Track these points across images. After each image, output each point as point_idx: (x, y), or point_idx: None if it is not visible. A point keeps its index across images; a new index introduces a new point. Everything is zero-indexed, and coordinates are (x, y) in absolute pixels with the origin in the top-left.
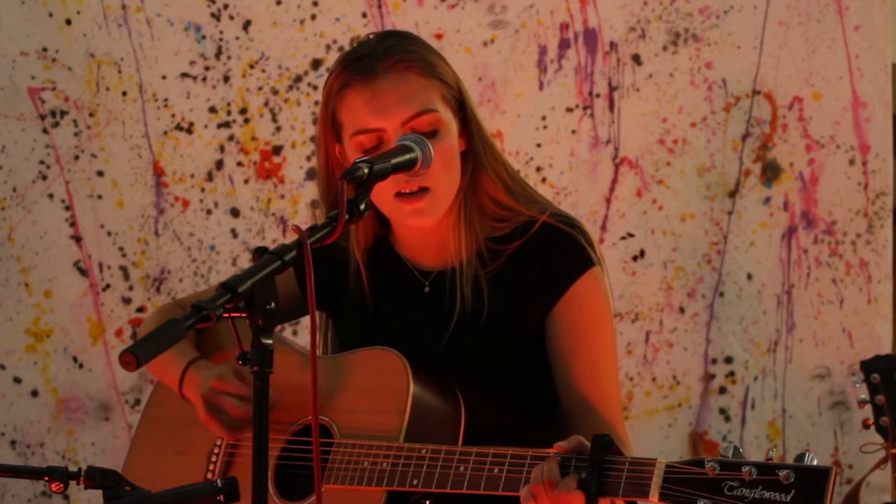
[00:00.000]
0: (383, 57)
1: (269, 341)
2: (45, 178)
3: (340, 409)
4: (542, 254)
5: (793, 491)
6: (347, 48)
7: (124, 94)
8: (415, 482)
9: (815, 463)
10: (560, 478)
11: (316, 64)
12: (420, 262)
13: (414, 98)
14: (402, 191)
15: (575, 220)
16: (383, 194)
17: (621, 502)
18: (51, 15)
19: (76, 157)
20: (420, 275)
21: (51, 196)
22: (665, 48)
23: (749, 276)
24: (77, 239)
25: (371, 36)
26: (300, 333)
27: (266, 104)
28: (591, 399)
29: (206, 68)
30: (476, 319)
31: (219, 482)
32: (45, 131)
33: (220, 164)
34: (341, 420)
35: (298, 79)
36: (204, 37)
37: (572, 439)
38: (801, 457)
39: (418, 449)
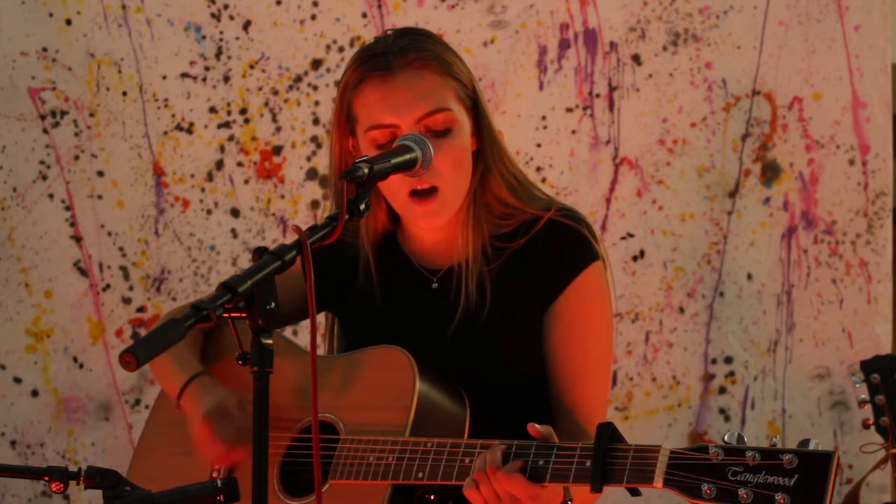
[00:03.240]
0: (400, 54)
1: (269, 341)
2: (45, 178)
3: (346, 407)
4: (546, 249)
5: (796, 475)
6: (347, 48)
7: (124, 94)
8: (420, 475)
9: (818, 448)
10: (502, 464)
11: (316, 64)
12: (427, 260)
13: (429, 96)
14: (416, 188)
15: (579, 214)
16: (396, 192)
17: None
18: (51, 15)
19: (76, 157)
20: (427, 272)
21: (51, 196)
22: (665, 48)
23: (749, 276)
24: (77, 239)
25: (388, 32)
26: (300, 334)
27: (266, 104)
28: (572, 398)
29: (206, 68)
30: (479, 316)
31: (219, 482)
32: (45, 131)
33: (220, 164)
34: (347, 417)
35: (298, 79)
36: (204, 37)
37: (546, 427)
38: (804, 442)
39: (423, 442)
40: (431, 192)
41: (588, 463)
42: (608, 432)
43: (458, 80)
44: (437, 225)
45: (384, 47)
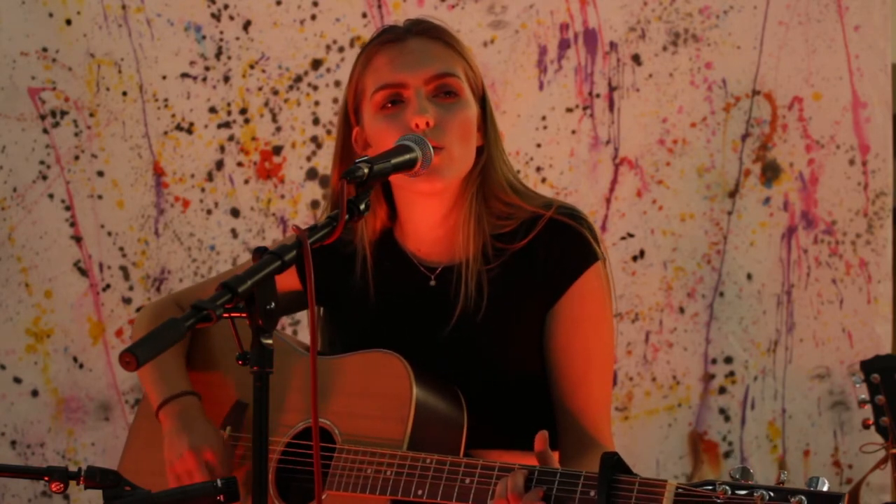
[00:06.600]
0: (413, 27)
1: (269, 341)
2: (45, 178)
3: (342, 413)
4: (547, 249)
5: None
6: (348, 48)
7: (124, 94)
8: (419, 492)
9: (826, 488)
10: (524, 491)
11: (316, 64)
12: (425, 257)
13: (439, 59)
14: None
15: (579, 213)
16: None
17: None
18: (51, 15)
19: (76, 158)
20: (425, 269)
21: (51, 196)
22: (665, 48)
23: (749, 276)
24: (77, 239)
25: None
26: (300, 334)
27: (266, 104)
28: (576, 402)
29: (206, 68)
30: (476, 316)
31: (219, 482)
32: (45, 131)
33: (220, 165)
34: (342, 424)
35: (298, 79)
36: (204, 37)
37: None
38: (812, 481)
39: (423, 458)
40: (437, 150)
41: (592, 493)
42: (612, 462)
43: (470, 66)
44: (437, 187)
45: (396, 26)
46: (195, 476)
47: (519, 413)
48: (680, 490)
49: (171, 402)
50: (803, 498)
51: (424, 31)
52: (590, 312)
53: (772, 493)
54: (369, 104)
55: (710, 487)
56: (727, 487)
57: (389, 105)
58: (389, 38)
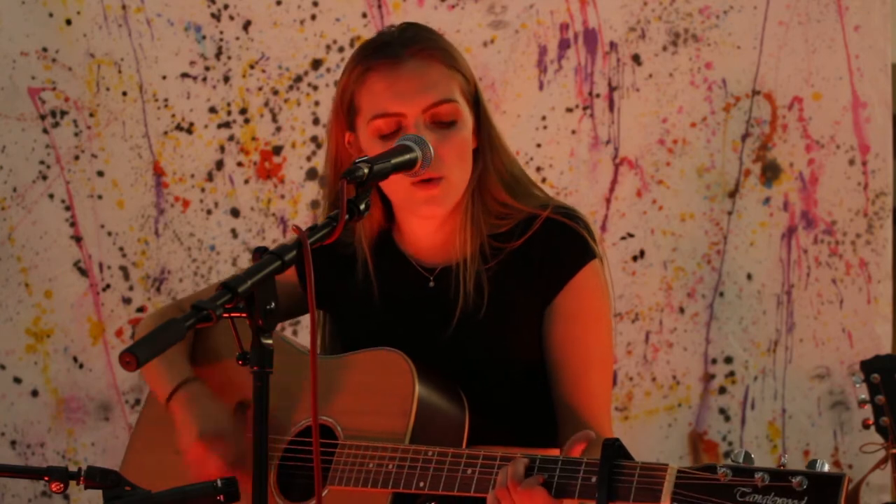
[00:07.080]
0: (407, 43)
1: (269, 341)
2: (45, 178)
3: (344, 411)
4: (544, 248)
5: (805, 497)
6: (347, 48)
7: (124, 94)
8: (421, 484)
9: (826, 469)
10: (524, 478)
11: (316, 64)
12: (423, 259)
13: (436, 86)
14: (421, 178)
15: (576, 212)
16: (398, 181)
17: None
18: (51, 15)
19: (76, 157)
20: (424, 270)
21: (51, 196)
22: (665, 48)
23: (749, 276)
24: (77, 239)
25: (392, 27)
26: (300, 334)
27: (266, 104)
28: (576, 398)
29: (206, 68)
30: (477, 315)
31: (218, 482)
32: (45, 131)
33: (220, 165)
34: (345, 421)
35: (298, 79)
36: (204, 37)
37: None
38: (812, 464)
39: (424, 451)
40: (437, 180)
41: (593, 479)
42: (614, 448)
43: (463, 75)
44: (438, 213)
45: (390, 38)
46: (209, 464)
47: (521, 410)
48: (681, 473)
49: (180, 390)
50: (804, 479)
51: (420, 49)
52: (587, 309)
53: (772, 475)
54: (366, 127)
55: (711, 472)
56: (728, 470)
57: (388, 134)
58: (385, 59)
